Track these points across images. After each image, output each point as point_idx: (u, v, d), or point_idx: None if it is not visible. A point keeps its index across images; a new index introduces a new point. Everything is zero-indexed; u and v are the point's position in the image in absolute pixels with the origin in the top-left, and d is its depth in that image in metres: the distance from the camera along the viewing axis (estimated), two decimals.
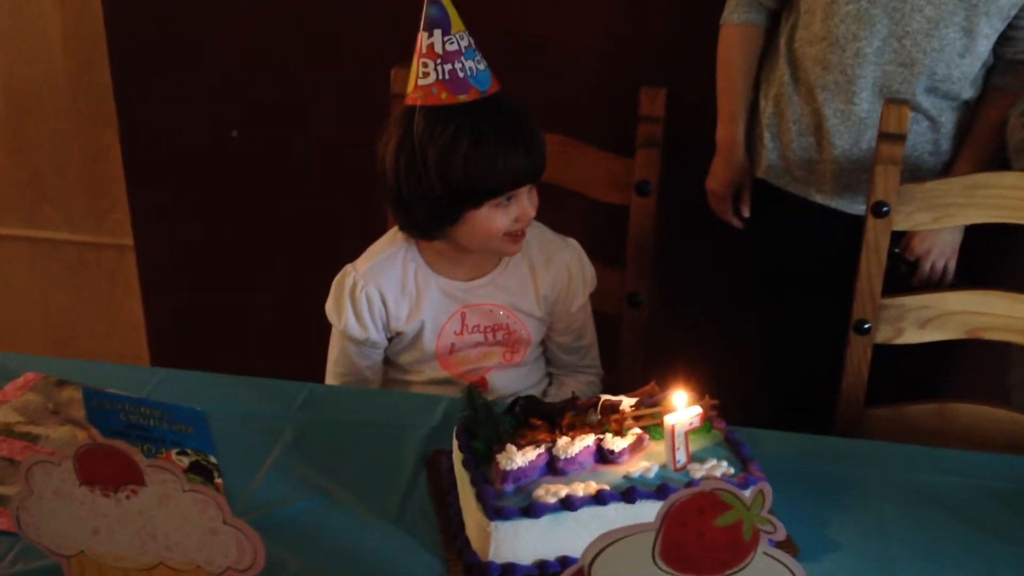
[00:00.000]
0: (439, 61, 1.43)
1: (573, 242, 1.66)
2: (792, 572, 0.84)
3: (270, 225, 2.48)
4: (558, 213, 1.68)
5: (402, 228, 1.58)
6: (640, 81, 1.75)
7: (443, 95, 1.44)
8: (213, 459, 1.32)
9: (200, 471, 1.29)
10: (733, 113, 1.95)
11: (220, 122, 2.40)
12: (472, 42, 1.45)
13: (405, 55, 1.54)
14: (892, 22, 1.75)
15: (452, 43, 1.43)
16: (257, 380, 1.52)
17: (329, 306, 1.60)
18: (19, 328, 2.83)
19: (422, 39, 1.44)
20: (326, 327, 1.70)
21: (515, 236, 1.53)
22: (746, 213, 2.00)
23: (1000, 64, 1.83)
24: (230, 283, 2.56)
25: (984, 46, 1.78)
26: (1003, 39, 1.79)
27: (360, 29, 2.24)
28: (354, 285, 1.56)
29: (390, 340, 1.62)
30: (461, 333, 1.60)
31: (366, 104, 1.81)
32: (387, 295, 1.56)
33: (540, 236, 1.64)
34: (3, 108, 2.58)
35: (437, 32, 1.42)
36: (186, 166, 2.47)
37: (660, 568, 0.85)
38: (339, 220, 1.66)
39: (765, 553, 0.84)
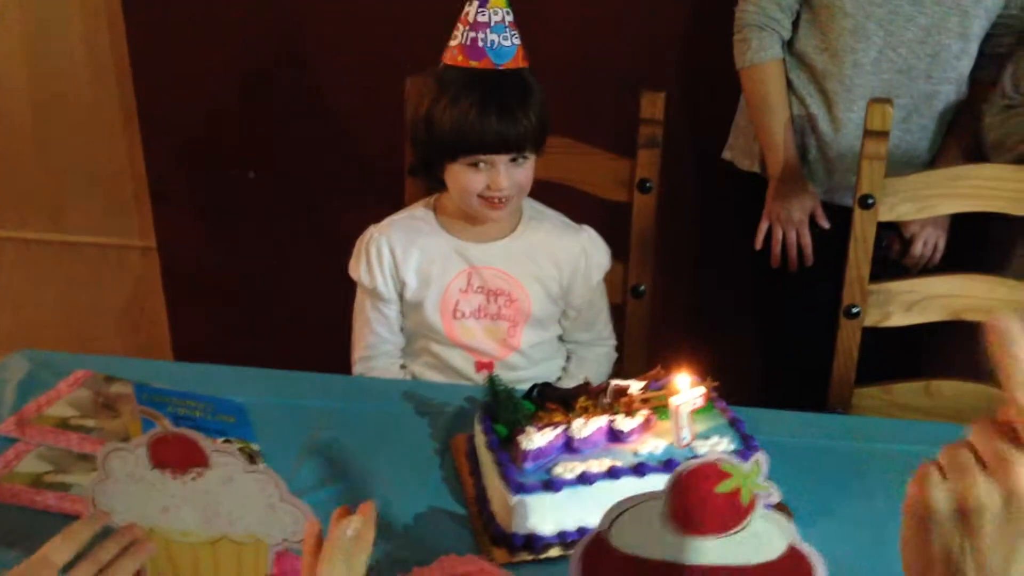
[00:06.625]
0: (467, 28, 1.55)
1: (588, 227, 1.75)
2: (783, 531, 0.95)
3: (291, 225, 2.55)
4: (565, 210, 1.77)
5: (408, 171, 1.75)
6: (641, 83, 1.82)
7: (459, 57, 1.56)
8: (255, 446, 1.41)
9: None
10: (787, 139, 1.94)
11: (242, 127, 2.48)
12: (508, 20, 1.55)
13: (422, 64, 1.66)
14: (887, 33, 1.82)
15: (484, 15, 1.54)
16: (290, 373, 1.61)
17: (351, 261, 1.73)
18: (45, 327, 2.90)
19: (466, 7, 1.56)
20: (346, 323, 1.79)
21: (490, 202, 1.62)
22: (826, 224, 1.94)
23: (979, 59, 1.90)
24: (251, 283, 2.63)
25: (976, 47, 1.85)
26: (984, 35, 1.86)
27: (378, 40, 2.33)
28: (370, 238, 1.71)
29: (400, 297, 1.72)
30: (467, 292, 1.70)
31: (385, 112, 1.91)
32: (395, 246, 1.69)
33: (555, 220, 1.74)
34: (30, 117, 2.65)
35: (475, 3, 1.54)
36: (208, 170, 2.55)
37: (669, 530, 0.96)
38: (360, 220, 1.76)
39: (761, 515, 0.95)
